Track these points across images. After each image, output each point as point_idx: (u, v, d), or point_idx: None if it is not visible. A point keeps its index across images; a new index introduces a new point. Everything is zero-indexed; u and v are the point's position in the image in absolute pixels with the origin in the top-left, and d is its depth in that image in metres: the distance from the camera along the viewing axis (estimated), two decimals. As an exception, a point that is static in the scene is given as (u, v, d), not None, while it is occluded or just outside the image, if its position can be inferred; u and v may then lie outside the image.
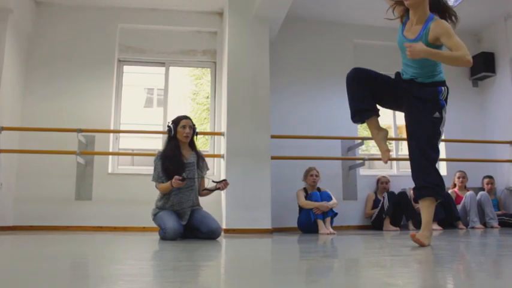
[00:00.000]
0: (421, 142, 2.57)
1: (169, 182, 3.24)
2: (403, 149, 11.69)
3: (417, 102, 2.61)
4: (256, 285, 1.26)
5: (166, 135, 3.61)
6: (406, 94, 2.66)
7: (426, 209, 2.49)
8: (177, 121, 3.48)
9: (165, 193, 3.36)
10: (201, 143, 7.37)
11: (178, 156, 3.40)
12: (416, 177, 2.56)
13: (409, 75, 2.70)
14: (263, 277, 1.45)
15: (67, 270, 1.61)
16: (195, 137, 3.56)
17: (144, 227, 4.59)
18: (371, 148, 10.01)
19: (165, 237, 3.13)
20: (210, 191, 3.54)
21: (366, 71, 2.77)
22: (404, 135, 7.56)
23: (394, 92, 2.71)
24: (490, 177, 5.42)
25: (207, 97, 12.87)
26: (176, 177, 3.18)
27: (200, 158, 3.55)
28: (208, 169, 3.67)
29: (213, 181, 3.48)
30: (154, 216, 3.38)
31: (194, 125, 3.56)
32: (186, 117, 3.52)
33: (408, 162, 6.18)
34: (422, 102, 2.60)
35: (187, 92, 11.82)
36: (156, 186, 3.42)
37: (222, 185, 3.41)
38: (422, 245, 2.36)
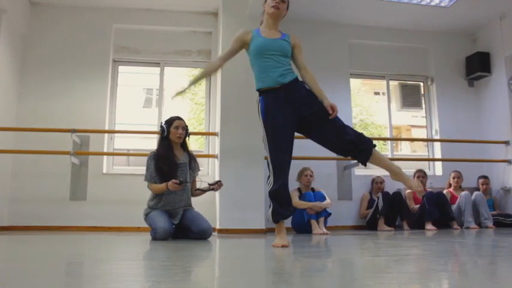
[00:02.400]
0: None
1: (164, 184, 3.24)
2: (402, 149, 11.73)
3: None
4: (247, 285, 1.26)
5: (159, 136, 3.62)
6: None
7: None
8: (170, 121, 3.49)
9: (157, 194, 3.37)
10: (199, 143, 7.38)
11: (171, 156, 3.41)
12: None
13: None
14: (254, 277, 1.45)
15: (59, 270, 1.61)
16: (187, 137, 3.58)
17: (138, 227, 4.59)
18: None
19: (155, 237, 3.14)
20: (203, 191, 3.55)
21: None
22: (403, 136, 7.54)
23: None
24: (485, 177, 5.42)
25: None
26: (174, 180, 3.19)
27: (192, 158, 3.56)
28: (199, 170, 3.69)
29: (208, 184, 3.49)
30: (146, 216, 3.39)
31: (187, 126, 3.57)
32: (179, 118, 3.53)
33: (404, 163, 6.17)
34: None
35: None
36: (148, 186, 3.43)
37: (216, 185, 3.42)
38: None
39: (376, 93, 16.74)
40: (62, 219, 4.69)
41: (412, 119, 10.33)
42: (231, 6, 4.69)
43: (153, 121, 5.55)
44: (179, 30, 5.36)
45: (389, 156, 5.95)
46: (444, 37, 6.00)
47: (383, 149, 15.18)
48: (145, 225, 4.04)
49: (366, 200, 5.21)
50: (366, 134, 6.94)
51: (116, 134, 5.19)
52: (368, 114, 12.26)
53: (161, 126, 3.50)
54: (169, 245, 2.77)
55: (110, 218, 4.73)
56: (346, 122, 5.37)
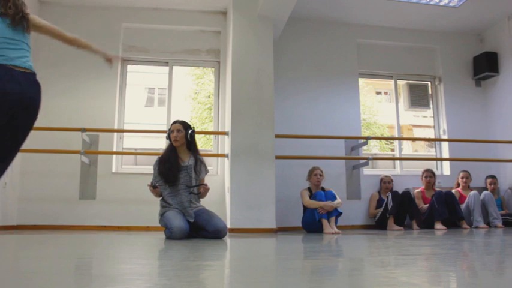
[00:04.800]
0: None
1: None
2: (404, 148, 11.73)
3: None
4: (264, 284, 1.26)
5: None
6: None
7: None
8: (171, 126, 3.62)
9: (157, 197, 3.51)
10: (202, 142, 7.36)
11: (173, 159, 3.47)
12: None
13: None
14: (270, 276, 1.45)
15: (75, 270, 1.60)
16: (192, 139, 3.58)
17: (148, 227, 4.60)
18: (372, 148, 10.05)
19: (171, 236, 3.14)
20: (195, 194, 3.52)
21: None
22: (406, 135, 7.47)
23: None
24: (493, 177, 5.43)
25: (208, 96, 12.88)
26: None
27: (198, 161, 3.56)
28: (207, 172, 3.70)
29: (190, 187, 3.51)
30: (161, 216, 3.40)
31: (189, 127, 3.58)
32: (175, 122, 3.63)
33: (411, 162, 6.15)
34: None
35: (189, 91, 11.85)
36: None
37: (202, 188, 3.47)
38: None
39: (378, 93, 16.74)
40: (70, 219, 4.68)
41: (414, 119, 10.36)
42: (241, 6, 4.69)
43: (158, 120, 5.54)
44: (188, 29, 5.35)
45: (398, 156, 5.96)
46: (452, 37, 6.00)
47: (386, 148, 15.20)
48: (154, 224, 4.05)
49: (375, 199, 5.21)
50: (369, 133, 6.88)
51: (124, 133, 5.18)
52: (370, 114, 12.27)
53: (167, 131, 3.65)
54: (185, 244, 2.76)
55: (119, 218, 4.72)
56: (354, 122, 5.54)
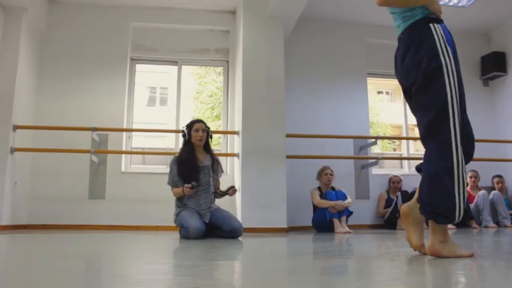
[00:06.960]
0: None
1: (181, 188, 3.32)
2: (404, 148, 11.74)
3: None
4: (281, 283, 1.27)
5: (180, 136, 3.69)
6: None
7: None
8: (190, 125, 3.56)
9: (178, 197, 3.44)
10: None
11: (193, 160, 3.45)
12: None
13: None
14: (286, 276, 1.45)
15: (89, 270, 1.59)
16: (210, 139, 3.59)
17: (157, 226, 4.60)
18: (375, 147, 10.06)
19: (187, 236, 3.13)
20: (220, 195, 3.56)
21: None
22: (410, 135, 7.32)
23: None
24: (500, 176, 5.44)
25: (211, 96, 12.85)
26: (186, 185, 3.26)
27: (215, 161, 3.57)
28: (223, 171, 3.71)
29: (221, 191, 3.54)
30: (177, 216, 3.39)
31: (208, 128, 3.60)
32: (199, 121, 3.60)
33: (416, 162, 6.16)
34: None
35: (192, 90, 11.86)
36: (171, 190, 3.48)
37: (231, 191, 3.46)
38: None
39: (379, 92, 16.69)
40: (80, 218, 4.67)
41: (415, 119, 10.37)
42: (251, 5, 4.69)
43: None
44: (197, 28, 5.35)
45: (406, 156, 5.96)
46: (460, 37, 5.93)
47: (388, 147, 15.10)
48: (163, 224, 4.04)
49: (383, 199, 5.22)
50: (372, 132, 6.90)
51: (132, 133, 5.18)
52: (373, 113, 12.31)
53: (182, 130, 3.58)
54: (202, 243, 2.76)
55: (128, 217, 4.71)
56: (363, 123, 5.54)
